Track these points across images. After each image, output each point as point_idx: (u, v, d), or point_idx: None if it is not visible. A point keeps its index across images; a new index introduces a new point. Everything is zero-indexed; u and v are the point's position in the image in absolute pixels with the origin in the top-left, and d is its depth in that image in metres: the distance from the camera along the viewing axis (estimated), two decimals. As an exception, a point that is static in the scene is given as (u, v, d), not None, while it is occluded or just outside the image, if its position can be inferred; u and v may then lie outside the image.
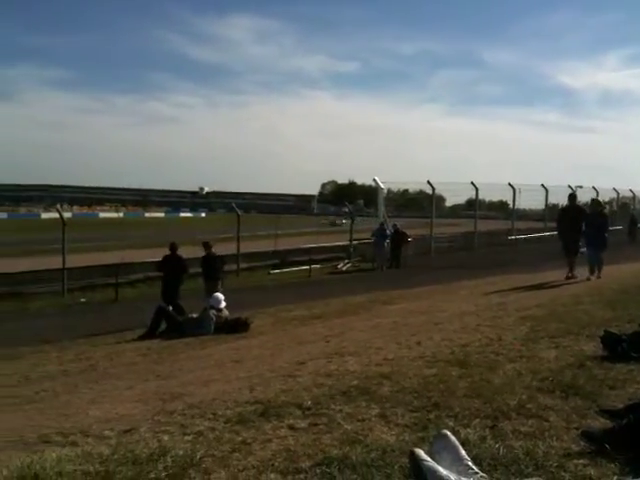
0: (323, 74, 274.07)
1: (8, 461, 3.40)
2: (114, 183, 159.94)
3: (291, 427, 3.62)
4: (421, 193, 38.20)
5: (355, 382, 4.53)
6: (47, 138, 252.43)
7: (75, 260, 18.60)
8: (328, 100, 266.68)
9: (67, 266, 17.88)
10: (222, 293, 13.66)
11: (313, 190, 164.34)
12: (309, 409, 3.94)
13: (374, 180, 27.58)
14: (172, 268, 13.14)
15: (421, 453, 2.37)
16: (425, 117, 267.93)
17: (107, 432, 3.89)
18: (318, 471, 2.86)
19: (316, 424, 3.63)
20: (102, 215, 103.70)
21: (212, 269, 14.09)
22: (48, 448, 3.68)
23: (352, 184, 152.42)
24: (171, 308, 11.37)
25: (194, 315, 10.64)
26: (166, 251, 13.34)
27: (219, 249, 22.24)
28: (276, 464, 3.00)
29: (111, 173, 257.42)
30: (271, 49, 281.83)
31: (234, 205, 25.11)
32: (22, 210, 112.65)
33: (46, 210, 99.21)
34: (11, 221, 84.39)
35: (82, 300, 17.13)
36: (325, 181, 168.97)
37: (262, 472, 2.91)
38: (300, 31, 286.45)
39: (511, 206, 31.99)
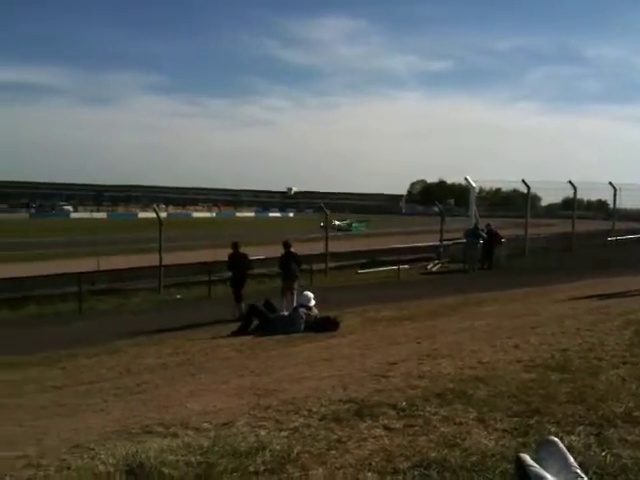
0: (412, 73, 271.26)
1: (114, 449, 3.57)
2: (207, 184, 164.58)
3: (386, 427, 3.60)
4: (515, 192, 37.12)
5: (450, 385, 4.45)
6: (145, 141, 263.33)
7: (170, 258, 19.27)
8: (417, 99, 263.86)
9: (163, 264, 18.57)
10: (298, 292, 14.23)
11: (401, 190, 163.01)
12: (403, 410, 3.91)
13: (465, 179, 27.00)
14: (239, 265, 14.23)
15: (527, 458, 2.29)
16: (520, 115, 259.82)
17: (206, 425, 4.00)
18: (416, 473, 2.83)
19: (411, 425, 3.60)
20: (195, 215, 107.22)
21: (290, 268, 14.51)
22: (150, 438, 3.82)
23: (442, 183, 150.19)
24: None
25: (285, 313, 10.80)
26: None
27: (307, 249, 22.57)
28: (373, 464, 2.99)
29: (205, 174, 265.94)
30: (360, 49, 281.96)
31: (322, 205, 25.25)
32: (120, 210, 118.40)
33: (143, 210, 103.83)
34: (110, 220, 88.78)
35: (177, 296, 17.74)
36: (414, 180, 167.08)
37: (360, 471, 2.90)
38: (389, 30, 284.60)
39: (611, 206, 30.46)
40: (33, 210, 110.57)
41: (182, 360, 7.87)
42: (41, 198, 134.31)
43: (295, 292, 14.42)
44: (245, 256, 14.65)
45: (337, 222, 71.47)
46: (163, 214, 24.73)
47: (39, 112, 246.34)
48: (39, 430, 4.44)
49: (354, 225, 67.36)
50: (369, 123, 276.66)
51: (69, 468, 3.29)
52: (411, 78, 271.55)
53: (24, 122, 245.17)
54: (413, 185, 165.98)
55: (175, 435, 3.84)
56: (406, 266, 23.13)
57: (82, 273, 17.51)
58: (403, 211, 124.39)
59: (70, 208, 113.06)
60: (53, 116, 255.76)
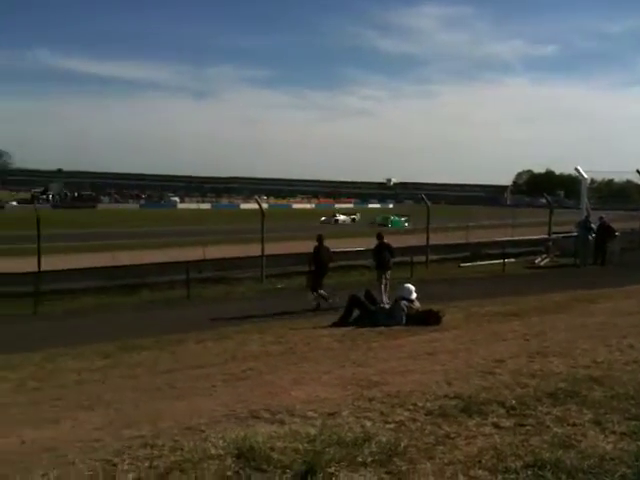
0: (517, 59, 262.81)
1: (224, 433, 3.67)
2: (307, 176, 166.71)
3: (496, 425, 3.50)
4: (628, 183, 35.02)
5: (562, 384, 4.27)
6: (246, 133, 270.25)
7: (272, 248, 19.65)
8: (523, 86, 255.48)
9: (265, 254, 18.98)
10: (389, 283, 14.28)
11: (506, 180, 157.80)
12: (513, 408, 3.80)
13: (576, 169, 25.70)
14: (322, 258, 14.79)
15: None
16: (633, 101, 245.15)
17: (311, 413, 4.04)
18: (529, 473, 2.74)
19: (522, 425, 3.49)
20: (295, 206, 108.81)
21: (383, 258, 14.97)
22: (258, 424, 3.91)
23: (550, 173, 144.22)
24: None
25: (386, 305, 10.75)
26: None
27: (407, 241, 22.36)
28: (483, 461, 2.92)
29: (304, 166, 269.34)
30: (461, 36, 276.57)
31: (423, 196, 24.85)
32: (224, 201, 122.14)
33: (245, 201, 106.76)
34: (214, 211, 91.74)
35: (279, 286, 18.08)
36: (520, 171, 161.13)
37: (470, 468, 2.84)
38: (493, 16, 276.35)
39: None
40: (143, 201, 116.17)
41: (285, 349, 8.01)
42: (150, 190, 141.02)
43: (387, 282, 14.80)
44: (328, 249, 15.25)
45: (341, 216, 67.87)
46: (264, 205, 25.22)
47: (145, 107, 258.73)
48: (153, 411, 4.65)
49: (393, 220, 61.04)
50: (472, 111, 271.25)
51: (182, 449, 3.42)
52: (517, 63, 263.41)
53: (132, 117, 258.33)
54: (519, 175, 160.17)
55: (281, 422, 3.91)
56: (512, 260, 22.41)
57: (190, 262, 18.24)
58: (508, 202, 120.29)
59: (177, 199, 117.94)
60: (158, 110, 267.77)
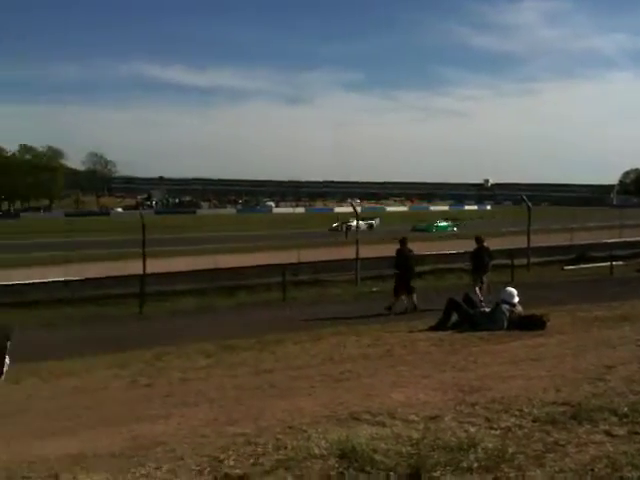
0: (620, 53, 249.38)
1: (325, 433, 3.70)
2: (401, 178, 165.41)
3: (608, 433, 3.34)
4: None
5: (683, 393, 4.01)
6: (339, 137, 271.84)
7: (367, 251, 19.64)
8: (627, 81, 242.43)
9: (360, 256, 19.00)
10: (487, 286, 14.00)
11: (612, 180, 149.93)
12: (626, 416, 3.61)
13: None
14: (405, 261, 14.71)
15: None
16: None
17: (412, 417, 4.00)
18: (647, 484, 2.59)
19: (637, 433, 3.30)
20: (389, 209, 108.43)
21: (481, 261, 14.80)
22: (359, 425, 3.92)
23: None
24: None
25: (486, 309, 10.48)
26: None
27: (507, 243, 21.71)
28: (596, 470, 2.79)
29: (398, 168, 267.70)
30: (561, 31, 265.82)
31: (524, 197, 24.07)
32: (318, 205, 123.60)
33: (338, 204, 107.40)
34: (308, 215, 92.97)
35: (374, 289, 18.04)
36: (627, 169, 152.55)
37: (581, 476, 2.73)
38: (593, 9, 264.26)
39: None
40: (240, 206, 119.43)
41: (382, 351, 7.97)
42: (247, 195, 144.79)
43: (485, 285, 14.60)
44: (411, 252, 15.17)
45: (353, 222, 62.68)
46: (358, 209, 25.25)
47: (241, 114, 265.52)
48: (255, 410, 4.75)
49: (438, 225, 55.44)
50: (574, 108, 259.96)
51: (285, 447, 3.48)
52: (620, 58, 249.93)
53: (229, 124, 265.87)
54: (626, 174, 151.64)
55: (382, 424, 3.90)
56: (620, 262, 21.29)
57: (286, 265, 18.57)
58: (614, 203, 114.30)
59: (272, 204, 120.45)
60: (254, 117, 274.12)
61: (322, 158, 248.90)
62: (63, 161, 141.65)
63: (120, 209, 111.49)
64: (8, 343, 7.58)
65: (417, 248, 17.19)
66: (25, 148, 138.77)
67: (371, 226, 59.12)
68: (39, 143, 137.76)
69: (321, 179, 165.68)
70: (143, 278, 17.19)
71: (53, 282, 18.07)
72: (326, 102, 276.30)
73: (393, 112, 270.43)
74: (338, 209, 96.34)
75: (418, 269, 18.93)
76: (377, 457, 3.17)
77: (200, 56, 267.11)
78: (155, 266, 18.20)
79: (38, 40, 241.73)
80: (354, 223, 57.98)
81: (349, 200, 43.05)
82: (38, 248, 34.80)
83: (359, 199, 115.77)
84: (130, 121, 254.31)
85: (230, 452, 3.48)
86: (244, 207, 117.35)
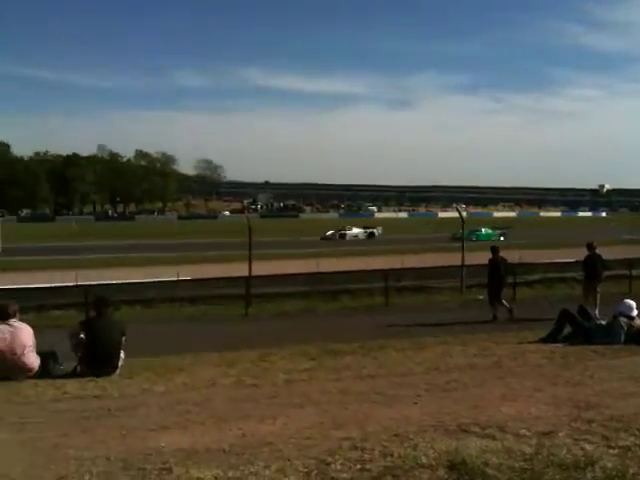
0: None
1: (433, 443, 3.63)
2: (509, 183, 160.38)
3: None
4: None
5: None
6: (447, 141, 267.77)
7: (473, 258, 19.18)
8: None
9: (465, 263, 18.59)
10: (599, 295, 13.74)
11: None
12: None
13: None
14: (497, 269, 14.54)
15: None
16: None
17: (524, 431, 3.85)
18: None
19: None
20: (496, 214, 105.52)
21: (594, 270, 14.36)
22: (467, 437, 3.81)
23: None
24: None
25: (602, 322, 9.92)
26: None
27: (625, 252, 20.51)
28: None
29: (506, 172, 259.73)
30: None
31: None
32: (421, 210, 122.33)
33: (443, 210, 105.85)
34: (411, 219, 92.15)
35: (479, 297, 17.58)
36: None
37: None
38: None
39: None
40: (342, 211, 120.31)
41: (490, 362, 7.73)
42: (350, 200, 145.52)
43: (598, 295, 13.99)
44: (504, 260, 14.95)
45: (354, 229, 56.43)
46: (463, 214, 24.75)
47: (347, 118, 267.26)
48: (360, 415, 4.73)
49: (480, 233, 50.74)
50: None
51: (392, 455, 3.44)
52: None
53: (335, 129, 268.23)
54: None
55: (492, 437, 3.78)
56: None
57: (388, 270, 18.48)
58: None
59: (374, 208, 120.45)
60: (359, 121, 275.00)
61: (426, 162, 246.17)
62: (175, 166, 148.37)
63: (227, 212, 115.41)
64: (123, 338, 8.01)
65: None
66: (140, 154, 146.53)
67: (372, 234, 55.71)
68: (153, 149, 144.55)
69: (426, 184, 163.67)
70: (249, 280, 17.64)
71: (165, 281, 18.95)
72: (431, 105, 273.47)
73: (500, 114, 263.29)
74: (442, 214, 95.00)
75: (526, 278, 18.34)
76: (489, 471, 3.07)
77: (307, 62, 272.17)
78: (260, 268, 18.64)
79: (155, 48, 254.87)
80: (352, 231, 55.79)
81: (454, 205, 42.04)
82: (153, 249, 36.64)
83: (464, 204, 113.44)
84: (238, 126, 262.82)
85: (337, 456, 3.48)
86: (346, 212, 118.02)
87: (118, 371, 7.78)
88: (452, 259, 19.73)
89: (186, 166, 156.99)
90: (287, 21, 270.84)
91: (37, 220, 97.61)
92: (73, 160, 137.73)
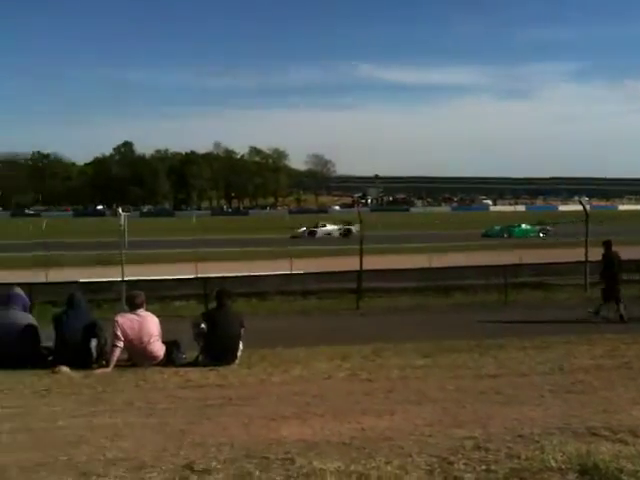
0: None
1: (561, 446, 3.46)
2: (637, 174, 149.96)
3: None
4: None
5: None
6: (561, 130, 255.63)
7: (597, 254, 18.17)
8: None
9: (589, 259, 17.62)
10: None
11: None
12: None
13: None
14: (611, 266, 13.88)
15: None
16: None
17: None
18: None
19: None
20: (621, 208, 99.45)
21: None
22: (597, 441, 3.61)
23: None
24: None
25: None
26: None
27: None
28: None
29: (635, 163, 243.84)
30: None
31: None
32: (539, 202, 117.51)
33: (563, 202, 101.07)
34: (528, 213, 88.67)
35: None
36: None
37: None
38: None
39: None
40: (455, 204, 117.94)
41: (619, 363, 7.27)
42: (462, 192, 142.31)
43: None
44: (617, 255, 14.19)
45: (328, 226, 52.13)
46: (587, 207, 23.47)
47: (458, 110, 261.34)
48: (481, 414, 4.60)
49: (517, 229, 48.09)
50: None
51: (519, 457, 3.31)
52: None
53: (445, 120, 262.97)
54: None
55: (625, 442, 3.56)
56: None
57: (507, 265, 17.91)
58: None
59: (489, 202, 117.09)
60: (470, 112, 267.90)
61: (543, 153, 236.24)
62: (286, 162, 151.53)
63: (337, 207, 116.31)
64: (242, 330, 8.25)
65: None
66: (254, 150, 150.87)
67: (348, 232, 49.58)
68: (266, 145, 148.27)
69: (542, 175, 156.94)
70: (360, 274, 17.68)
71: (279, 275, 19.40)
72: (548, 94, 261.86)
73: (621, 103, 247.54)
74: (563, 207, 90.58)
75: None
76: (624, 477, 2.89)
77: (415, 53, 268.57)
78: (371, 262, 18.63)
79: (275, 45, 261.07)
80: (325, 228, 51.44)
81: (576, 198, 39.67)
82: (266, 243, 37.62)
83: (587, 197, 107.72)
84: (348, 121, 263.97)
85: (459, 455, 3.40)
86: (459, 205, 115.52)
87: (237, 361, 8.03)
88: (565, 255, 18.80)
89: (297, 161, 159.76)
90: (397, 14, 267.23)
91: (158, 215, 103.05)
92: (191, 158, 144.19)
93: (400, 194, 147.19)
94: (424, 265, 19.92)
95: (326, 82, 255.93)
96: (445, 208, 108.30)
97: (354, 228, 48.17)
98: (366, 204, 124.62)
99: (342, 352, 8.61)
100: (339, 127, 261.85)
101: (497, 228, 48.49)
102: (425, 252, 24.38)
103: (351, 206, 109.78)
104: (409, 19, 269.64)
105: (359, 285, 17.32)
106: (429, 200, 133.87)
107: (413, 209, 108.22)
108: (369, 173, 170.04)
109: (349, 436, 3.91)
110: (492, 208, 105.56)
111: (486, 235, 45.39)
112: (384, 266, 18.99)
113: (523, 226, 48.84)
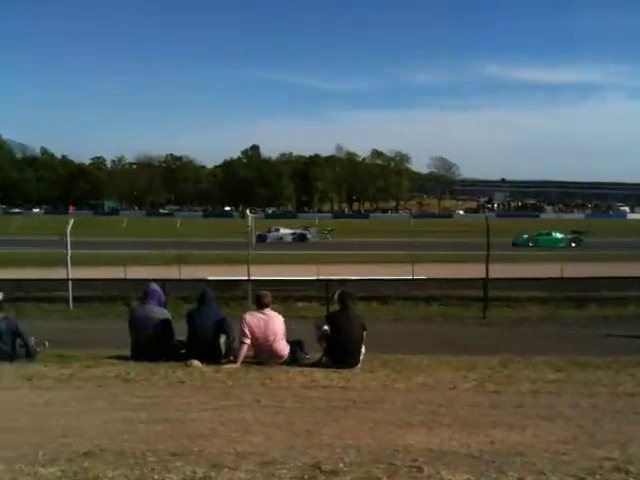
0: None
1: None
2: None
3: None
4: None
5: None
6: None
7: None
8: None
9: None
10: None
11: None
12: None
13: None
14: None
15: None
16: None
17: None
18: None
19: None
20: None
21: None
22: None
23: None
24: None
25: None
26: None
27: None
28: None
29: None
30: None
31: None
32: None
33: None
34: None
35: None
36: None
37: None
38: None
39: None
40: (588, 211, 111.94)
41: None
42: (597, 199, 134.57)
43: None
44: None
45: (282, 230, 48.53)
46: None
47: (594, 110, 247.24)
48: (620, 435, 4.32)
49: (541, 237, 43.56)
50: None
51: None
52: None
53: (580, 122, 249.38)
54: None
55: None
56: None
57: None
58: None
59: (627, 209, 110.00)
60: (610, 113, 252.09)
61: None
62: (408, 165, 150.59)
63: (461, 212, 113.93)
64: (364, 333, 8.26)
65: None
66: (376, 153, 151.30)
67: (302, 237, 47.20)
68: (388, 147, 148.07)
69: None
70: (486, 282, 17.18)
71: (400, 279, 19.29)
72: None
73: None
74: None
75: None
76: None
77: (544, 52, 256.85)
78: (497, 270, 18.04)
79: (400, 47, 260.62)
80: (278, 233, 47.60)
81: None
82: (387, 247, 37.55)
83: None
84: (473, 123, 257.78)
85: (597, 476, 3.27)
86: (593, 212, 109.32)
87: (360, 365, 8.05)
88: None
89: (419, 165, 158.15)
90: (527, 10, 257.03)
91: (281, 217, 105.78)
92: (314, 160, 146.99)
93: (529, 199, 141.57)
94: (555, 274, 19.00)
95: (451, 83, 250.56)
96: (578, 215, 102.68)
97: (308, 233, 48.63)
98: (492, 209, 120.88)
99: (467, 362, 8.39)
100: (464, 129, 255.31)
101: (525, 237, 44.49)
102: (557, 260, 23.24)
103: (476, 211, 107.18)
104: (535, 12, 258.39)
105: (485, 293, 16.81)
106: (560, 206, 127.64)
107: (543, 215, 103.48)
108: (496, 177, 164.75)
109: (477, 449, 3.81)
110: (630, 216, 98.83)
111: (515, 244, 41.84)
112: (511, 274, 18.31)
113: (553, 234, 44.90)
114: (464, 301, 17.36)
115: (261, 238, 43.86)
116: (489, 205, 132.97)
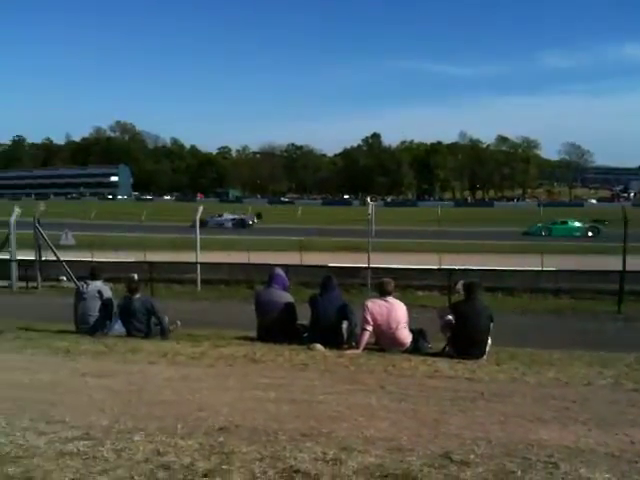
0: None
1: None
2: None
3: None
4: None
5: None
6: None
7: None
8: None
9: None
10: None
11: None
12: None
13: None
14: None
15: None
16: None
17: None
18: None
19: None
20: None
21: None
22: None
23: None
24: None
25: None
26: None
27: None
28: None
29: None
30: None
31: None
32: None
33: None
34: None
35: None
36: None
37: None
38: None
39: None
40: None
41: None
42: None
43: None
44: None
45: (226, 215, 45.99)
46: None
47: None
48: None
49: (555, 227, 39.55)
50: None
51: None
52: None
53: None
54: None
55: None
56: None
57: None
58: None
59: None
60: None
61: None
62: (537, 152, 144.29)
63: (594, 201, 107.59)
64: (491, 324, 8.02)
65: None
66: (501, 140, 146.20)
67: (242, 223, 44.99)
68: (515, 134, 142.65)
69: None
70: (622, 274, 16.11)
71: (527, 270, 18.56)
72: None
73: None
74: None
75: None
76: None
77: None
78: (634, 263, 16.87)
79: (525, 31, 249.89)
80: (219, 218, 44.46)
81: None
82: (513, 237, 36.17)
83: None
84: (608, 107, 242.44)
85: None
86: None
87: (485, 357, 7.83)
88: None
89: (548, 151, 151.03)
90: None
91: (401, 205, 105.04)
92: (436, 148, 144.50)
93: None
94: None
95: (584, 66, 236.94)
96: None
97: (248, 218, 48.35)
98: (628, 198, 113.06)
99: (602, 358, 7.92)
100: (598, 114, 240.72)
101: (539, 225, 41.09)
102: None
103: (611, 200, 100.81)
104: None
105: (621, 287, 15.75)
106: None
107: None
108: (633, 164, 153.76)
109: (617, 448, 3.59)
110: None
111: (527, 233, 39.11)
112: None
113: (570, 223, 41.31)
114: (597, 294, 16.42)
115: (202, 224, 46.07)
116: (625, 194, 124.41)
